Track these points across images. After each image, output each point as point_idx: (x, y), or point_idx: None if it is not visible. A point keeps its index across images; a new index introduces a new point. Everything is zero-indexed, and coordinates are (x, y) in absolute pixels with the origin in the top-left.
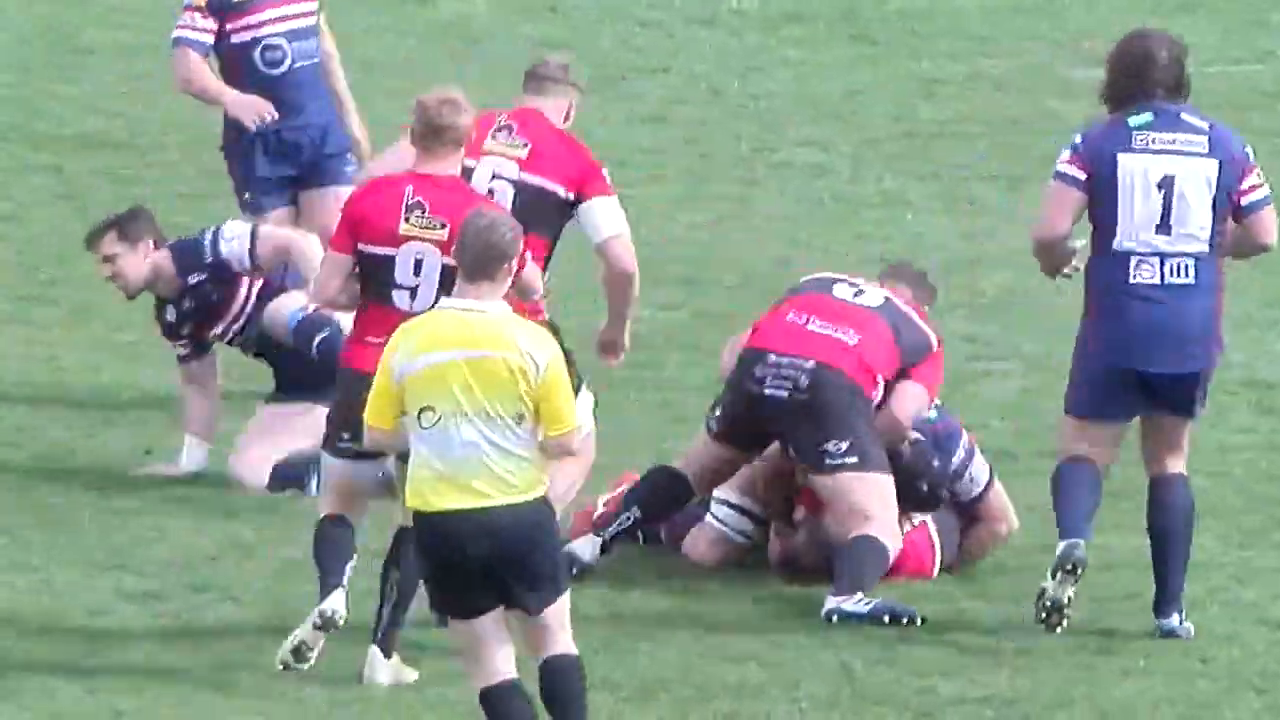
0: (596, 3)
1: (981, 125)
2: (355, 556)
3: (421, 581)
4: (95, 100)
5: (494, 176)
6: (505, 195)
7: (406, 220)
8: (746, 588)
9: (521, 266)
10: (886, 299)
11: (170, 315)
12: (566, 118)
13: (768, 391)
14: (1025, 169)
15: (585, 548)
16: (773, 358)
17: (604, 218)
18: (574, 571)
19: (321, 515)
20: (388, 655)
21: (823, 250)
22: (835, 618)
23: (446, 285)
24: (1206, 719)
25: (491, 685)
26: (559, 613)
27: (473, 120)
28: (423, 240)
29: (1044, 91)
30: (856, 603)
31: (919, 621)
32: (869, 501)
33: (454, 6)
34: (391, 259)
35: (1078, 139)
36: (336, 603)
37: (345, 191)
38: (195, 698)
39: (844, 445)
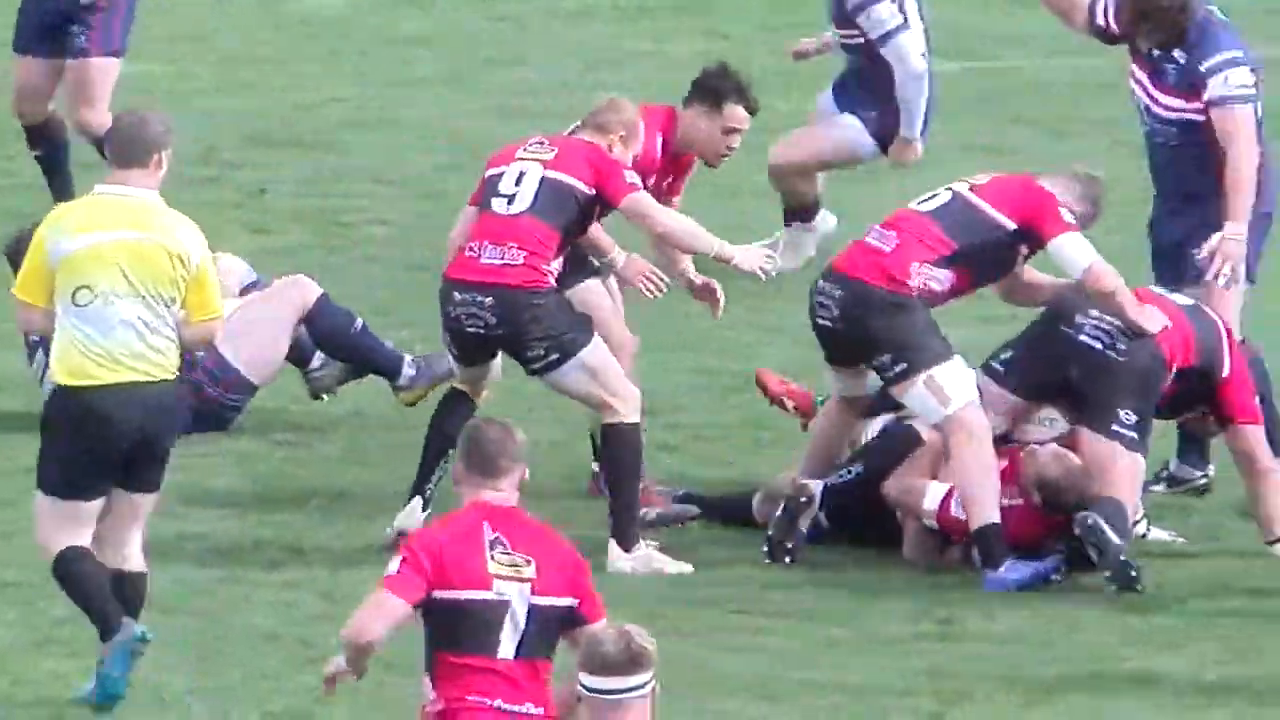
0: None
1: None
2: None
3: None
4: None
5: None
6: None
7: (525, 149)
8: (594, 578)
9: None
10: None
11: None
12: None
13: (1082, 338)
14: (869, 164)
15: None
16: (1094, 312)
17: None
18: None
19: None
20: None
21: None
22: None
23: (541, 194)
24: (1044, 702)
25: (70, 546)
26: (153, 502)
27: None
28: (531, 160)
29: None
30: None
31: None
32: (1122, 484)
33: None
34: (501, 173)
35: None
36: (409, 519)
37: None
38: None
39: (1134, 418)
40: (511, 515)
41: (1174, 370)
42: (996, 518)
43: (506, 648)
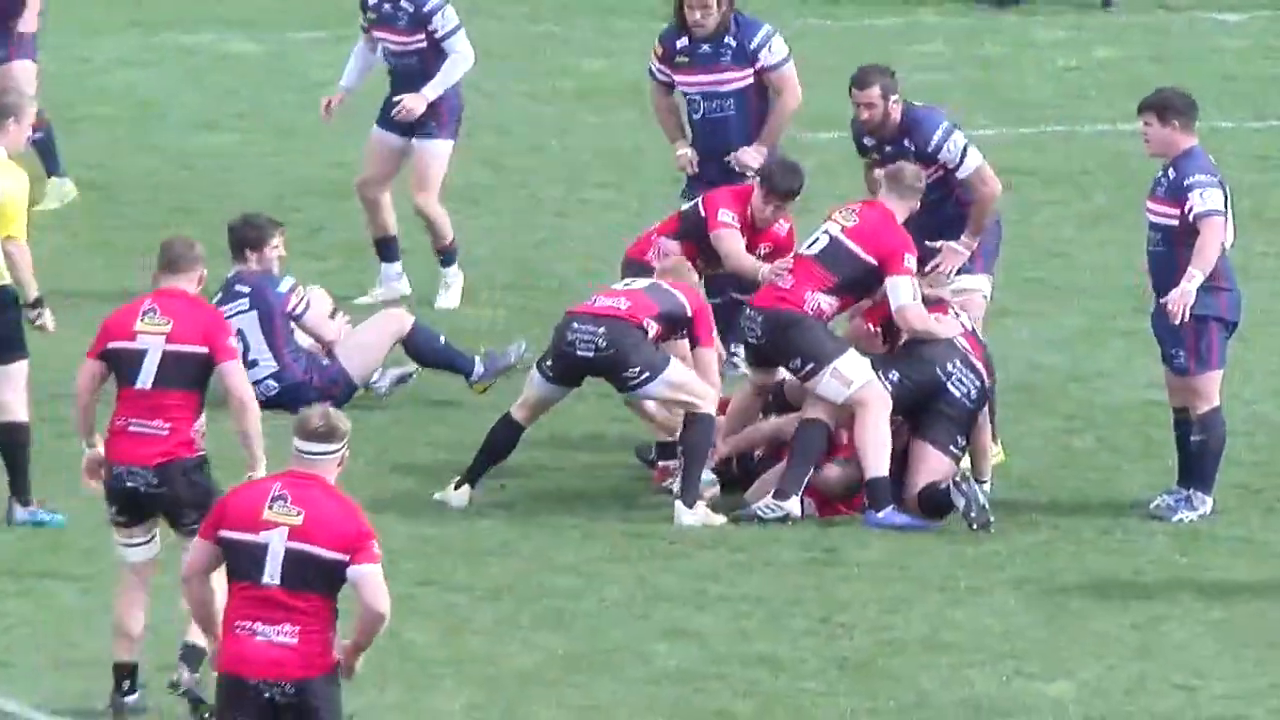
0: None
1: None
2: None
3: None
4: (82, 158)
5: (824, 231)
6: (821, 242)
7: None
8: (564, 518)
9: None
10: None
11: None
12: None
13: (950, 386)
14: None
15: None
16: (960, 364)
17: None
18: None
19: (507, 413)
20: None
21: (618, 265)
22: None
23: None
24: (902, 611)
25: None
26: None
27: None
28: None
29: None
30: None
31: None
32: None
33: None
34: None
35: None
36: (458, 497)
37: None
38: (160, 594)
39: (963, 443)
40: (171, 294)
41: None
42: (885, 471)
43: (144, 381)
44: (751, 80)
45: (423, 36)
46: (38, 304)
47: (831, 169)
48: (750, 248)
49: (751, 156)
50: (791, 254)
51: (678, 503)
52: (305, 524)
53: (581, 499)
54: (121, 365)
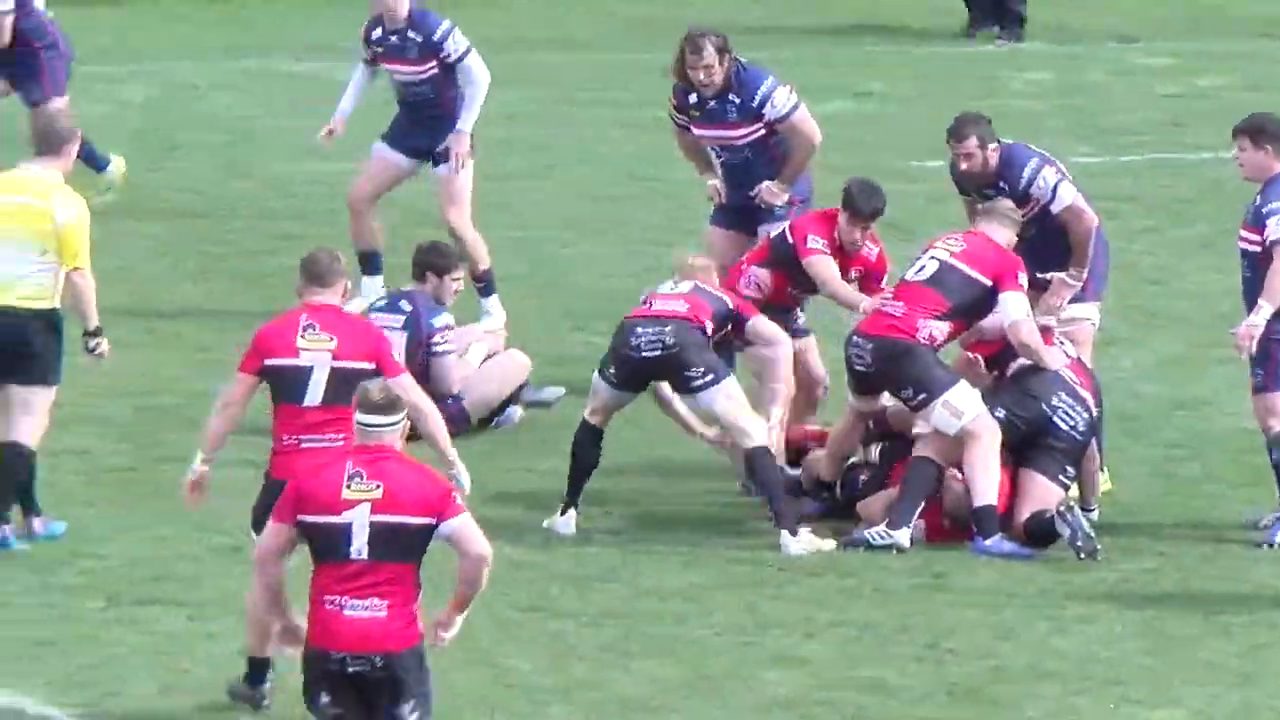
0: (540, 109)
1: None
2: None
3: None
4: (185, 183)
5: (931, 257)
6: (930, 268)
7: None
8: (671, 544)
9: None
10: None
11: None
12: (1009, 245)
13: (1056, 419)
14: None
15: None
16: (1066, 398)
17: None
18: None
19: (582, 420)
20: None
21: None
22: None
23: None
24: (1010, 638)
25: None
26: (34, 395)
27: None
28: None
29: None
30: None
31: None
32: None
33: None
34: None
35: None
36: (565, 524)
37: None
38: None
39: (1072, 472)
40: (327, 309)
41: None
42: (994, 500)
43: (313, 398)
44: (763, 131)
45: (434, 64)
46: (97, 333)
47: (941, 197)
48: (841, 272)
49: (774, 195)
50: (886, 283)
51: (783, 533)
52: (386, 496)
53: (688, 525)
54: (284, 382)
